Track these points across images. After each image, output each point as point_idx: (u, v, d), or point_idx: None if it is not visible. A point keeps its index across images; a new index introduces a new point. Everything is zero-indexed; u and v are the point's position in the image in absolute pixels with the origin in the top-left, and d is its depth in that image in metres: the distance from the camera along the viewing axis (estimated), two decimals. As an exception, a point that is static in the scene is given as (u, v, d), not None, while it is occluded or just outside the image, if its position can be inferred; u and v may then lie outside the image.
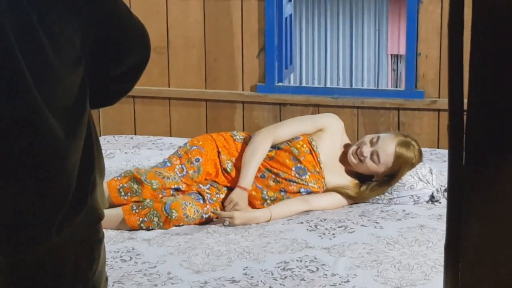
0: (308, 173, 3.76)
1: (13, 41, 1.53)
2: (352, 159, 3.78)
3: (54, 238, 1.63)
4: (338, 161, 3.88)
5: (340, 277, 2.97)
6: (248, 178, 3.69)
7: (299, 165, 3.77)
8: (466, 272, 1.28)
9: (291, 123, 4.01)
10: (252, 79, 5.07)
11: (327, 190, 3.77)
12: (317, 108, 4.97)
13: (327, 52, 9.50)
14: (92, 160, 1.72)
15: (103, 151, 4.41)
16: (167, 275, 3.01)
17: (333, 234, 3.39)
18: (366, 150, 3.75)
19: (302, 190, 3.73)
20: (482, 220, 1.27)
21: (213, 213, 3.59)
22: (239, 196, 3.64)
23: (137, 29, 1.80)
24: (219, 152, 3.82)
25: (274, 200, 3.70)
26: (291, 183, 3.74)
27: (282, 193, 3.72)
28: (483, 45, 1.22)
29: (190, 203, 3.55)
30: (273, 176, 3.75)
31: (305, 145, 3.82)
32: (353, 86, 9.59)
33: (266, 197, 3.71)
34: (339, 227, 3.47)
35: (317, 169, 3.78)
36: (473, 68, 1.23)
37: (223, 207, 3.66)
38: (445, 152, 4.23)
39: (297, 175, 3.75)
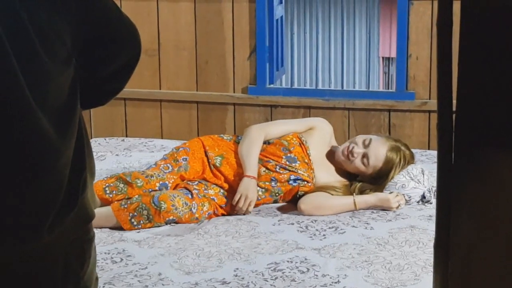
0: (298, 162, 3.81)
1: (5, 40, 1.52)
2: (341, 156, 3.81)
3: (45, 238, 1.63)
4: (327, 159, 3.92)
5: (331, 278, 2.98)
6: (252, 166, 3.72)
7: (289, 154, 3.83)
8: (456, 272, 1.29)
9: (282, 122, 4.18)
10: (243, 81, 5.07)
11: (317, 186, 3.79)
12: (308, 110, 4.97)
13: (318, 54, 9.49)
14: (83, 160, 1.72)
15: (94, 153, 4.42)
16: (158, 276, 3.01)
17: (324, 235, 3.40)
18: (358, 151, 3.78)
19: (292, 177, 3.77)
20: (471, 219, 1.27)
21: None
22: (247, 186, 3.66)
23: (127, 27, 1.80)
24: (206, 151, 3.85)
25: (265, 192, 3.73)
26: (282, 170, 3.76)
27: (273, 183, 3.76)
28: (471, 45, 1.23)
29: (178, 196, 3.57)
30: (264, 165, 3.79)
31: (294, 139, 3.90)
32: (344, 88, 9.57)
33: (257, 188, 3.73)
34: (329, 228, 3.48)
35: (306, 160, 3.82)
36: (461, 68, 1.23)
37: (231, 206, 3.68)
38: (435, 153, 4.23)
39: (287, 163, 3.79)
